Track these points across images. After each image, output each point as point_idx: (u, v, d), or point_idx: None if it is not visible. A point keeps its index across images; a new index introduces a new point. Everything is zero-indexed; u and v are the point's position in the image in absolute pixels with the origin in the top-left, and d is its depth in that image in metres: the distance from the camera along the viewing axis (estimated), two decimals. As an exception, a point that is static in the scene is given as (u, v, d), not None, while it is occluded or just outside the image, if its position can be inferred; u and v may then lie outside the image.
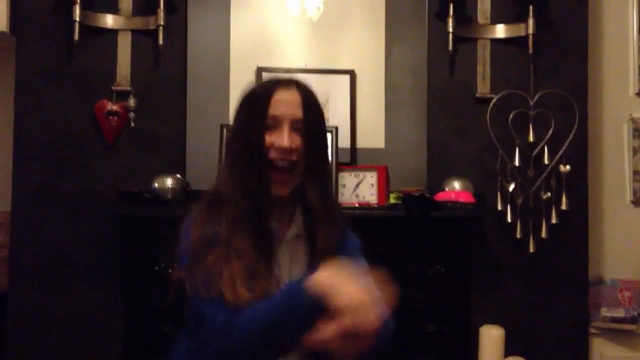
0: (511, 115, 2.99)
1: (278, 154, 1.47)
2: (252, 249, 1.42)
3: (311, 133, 1.50)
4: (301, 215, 1.53)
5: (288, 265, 1.51)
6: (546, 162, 3.00)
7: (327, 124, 1.60)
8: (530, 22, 3.03)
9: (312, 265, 1.41)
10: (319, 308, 1.22)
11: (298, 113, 1.49)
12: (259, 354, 1.33)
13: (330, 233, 1.51)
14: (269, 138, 1.47)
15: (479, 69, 3.08)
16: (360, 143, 3.01)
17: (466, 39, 3.08)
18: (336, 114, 2.99)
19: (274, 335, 1.28)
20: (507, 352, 2.76)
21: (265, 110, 1.47)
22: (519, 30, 3.08)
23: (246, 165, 1.47)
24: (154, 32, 2.94)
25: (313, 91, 1.55)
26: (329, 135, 1.65)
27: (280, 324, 1.27)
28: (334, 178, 1.59)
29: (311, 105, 1.52)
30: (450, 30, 3.01)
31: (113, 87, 2.95)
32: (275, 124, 1.48)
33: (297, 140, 1.48)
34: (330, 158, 1.61)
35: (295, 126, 1.48)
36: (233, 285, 1.36)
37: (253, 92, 1.54)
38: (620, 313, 3.08)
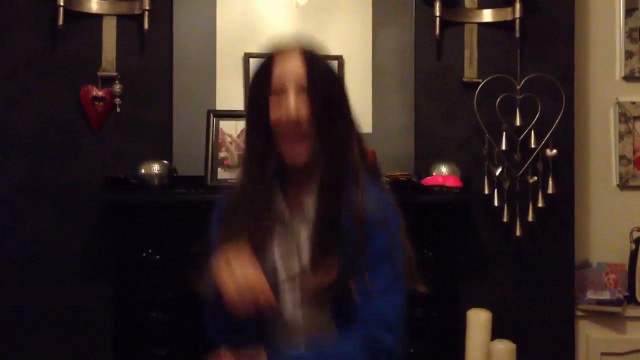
0: (498, 100, 2.99)
1: (287, 126, 1.41)
2: (248, 233, 1.40)
3: (319, 99, 1.41)
4: (316, 188, 1.44)
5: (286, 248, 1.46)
6: (533, 146, 3.00)
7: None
8: (517, 6, 3.02)
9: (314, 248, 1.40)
10: None
11: (302, 81, 1.41)
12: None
13: (334, 207, 1.41)
14: (276, 110, 1.41)
15: (466, 53, 3.08)
16: (348, 128, 3.00)
17: (453, 23, 3.07)
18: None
19: None
20: (494, 335, 2.78)
21: (269, 83, 1.42)
22: (505, 14, 3.07)
23: (256, 141, 1.45)
24: (140, 17, 2.91)
25: (320, 54, 1.48)
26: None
27: None
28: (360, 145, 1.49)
29: (316, 70, 1.43)
30: (438, 14, 2.99)
31: (98, 73, 2.91)
32: (280, 95, 1.41)
33: (304, 109, 1.40)
34: (353, 124, 1.50)
35: (301, 93, 1.41)
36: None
37: (258, 66, 1.49)
38: (605, 295, 3.10)
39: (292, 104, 1.39)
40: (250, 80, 1.50)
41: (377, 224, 1.41)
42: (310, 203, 1.44)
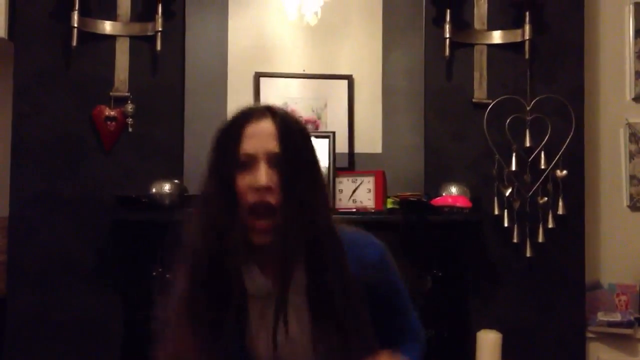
0: (508, 120, 3.00)
1: (255, 195, 1.28)
2: (210, 316, 1.31)
3: (291, 167, 1.29)
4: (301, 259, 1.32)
5: (270, 324, 1.32)
6: (543, 166, 3.01)
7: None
8: (527, 27, 3.04)
9: (316, 321, 1.30)
10: None
11: (273, 146, 1.29)
12: None
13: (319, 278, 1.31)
14: (245, 180, 1.29)
15: (476, 74, 3.09)
16: (358, 148, 3.02)
17: (463, 45, 3.09)
18: (334, 119, 3.00)
19: None
20: (505, 356, 2.76)
21: (237, 148, 1.29)
22: (515, 35, 3.09)
23: (220, 213, 1.29)
24: (152, 38, 2.95)
25: (293, 118, 1.36)
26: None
27: None
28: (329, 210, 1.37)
29: (289, 136, 1.31)
30: (447, 35, 3.02)
31: (111, 93, 2.95)
32: (249, 162, 1.29)
33: (275, 178, 1.28)
34: (324, 193, 1.39)
35: (272, 162, 1.29)
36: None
37: (224, 128, 1.35)
38: (616, 317, 3.08)
39: (262, 175, 1.27)
40: (215, 145, 1.35)
41: (371, 278, 1.37)
42: (299, 275, 1.31)
